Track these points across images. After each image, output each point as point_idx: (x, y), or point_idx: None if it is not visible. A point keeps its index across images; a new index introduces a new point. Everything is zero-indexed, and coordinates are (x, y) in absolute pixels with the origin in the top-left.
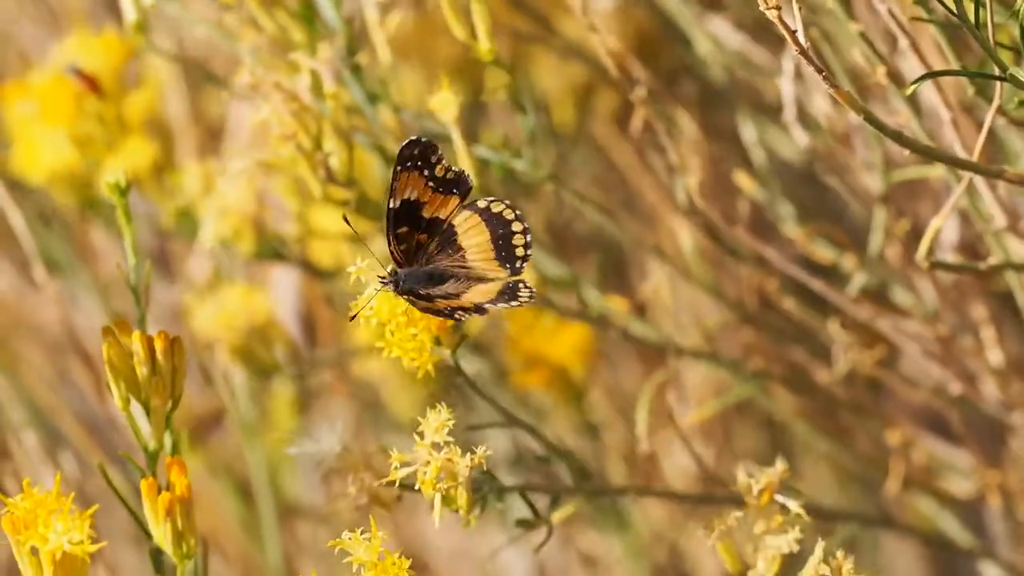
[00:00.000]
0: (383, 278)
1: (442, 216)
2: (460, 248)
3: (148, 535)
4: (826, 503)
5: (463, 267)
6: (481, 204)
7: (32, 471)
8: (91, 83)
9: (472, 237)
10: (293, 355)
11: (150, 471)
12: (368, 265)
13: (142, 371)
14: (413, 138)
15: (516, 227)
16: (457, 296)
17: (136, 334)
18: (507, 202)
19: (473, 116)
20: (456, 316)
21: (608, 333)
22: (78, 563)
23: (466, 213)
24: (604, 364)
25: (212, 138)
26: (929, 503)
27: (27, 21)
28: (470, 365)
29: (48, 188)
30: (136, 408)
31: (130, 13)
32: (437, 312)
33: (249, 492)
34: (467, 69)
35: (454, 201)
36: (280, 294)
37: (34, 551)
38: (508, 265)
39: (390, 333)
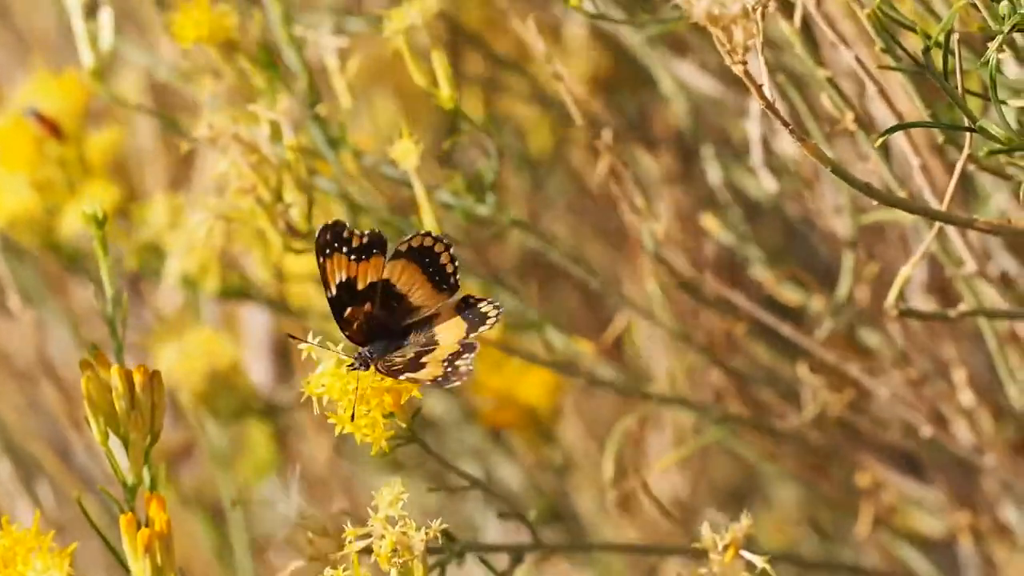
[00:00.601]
0: (351, 365)
1: (374, 279)
2: (401, 296)
3: (126, 569)
4: (796, 545)
5: (412, 313)
6: (400, 247)
7: (8, 501)
8: (51, 127)
9: (405, 280)
10: (258, 399)
11: (128, 506)
12: (319, 341)
13: (121, 405)
14: (322, 225)
15: (437, 248)
16: (430, 346)
17: (115, 368)
18: (420, 232)
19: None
20: (450, 376)
21: (576, 378)
22: None
23: (392, 262)
24: (581, 397)
25: (183, 165)
26: (900, 544)
27: None
28: (440, 404)
29: (9, 232)
30: (114, 442)
31: (86, 58)
32: (423, 380)
33: (222, 523)
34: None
35: (378, 260)
36: (251, 330)
37: None
38: (445, 288)
39: (342, 409)
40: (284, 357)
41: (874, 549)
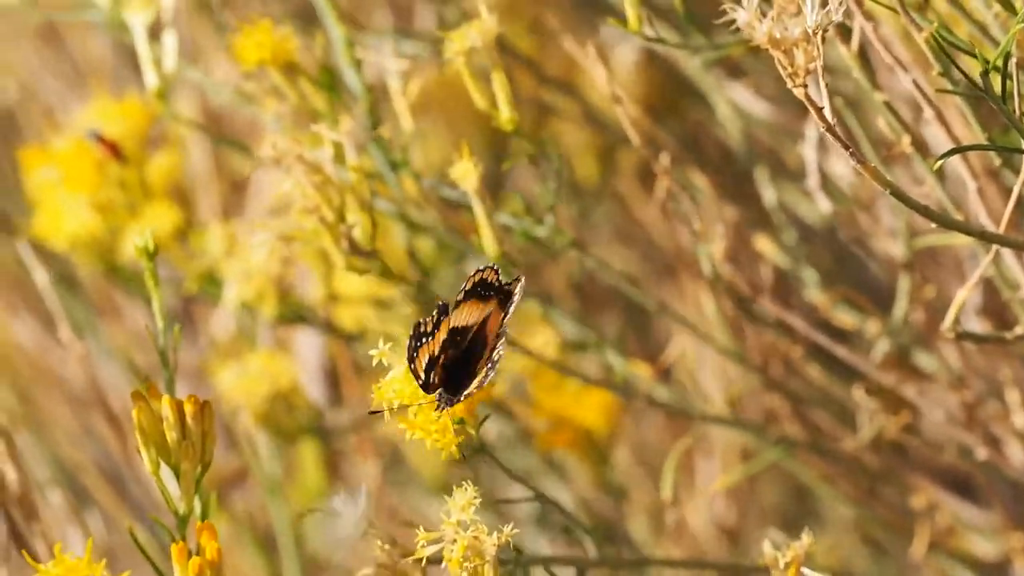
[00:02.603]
0: (438, 407)
1: (444, 336)
2: (466, 328)
3: None
4: (853, 566)
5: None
6: (459, 297)
7: (59, 530)
8: (113, 149)
9: (466, 315)
10: (316, 419)
11: (180, 535)
12: (391, 347)
13: (172, 436)
14: (409, 339)
15: (487, 275)
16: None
17: (166, 399)
18: (470, 274)
19: (500, 175)
20: (489, 373)
21: (632, 399)
22: None
23: (454, 313)
24: (631, 421)
25: (237, 194)
26: (955, 566)
27: (51, 78)
28: (494, 426)
29: (70, 253)
30: (165, 471)
31: (151, 79)
32: (477, 389)
33: (274, 549)
34: (495, 128)
35: (445, 323)
36: (304, 355)
37: None
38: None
39: (413, 415)
40: (335, 381)
41: (929, 571)
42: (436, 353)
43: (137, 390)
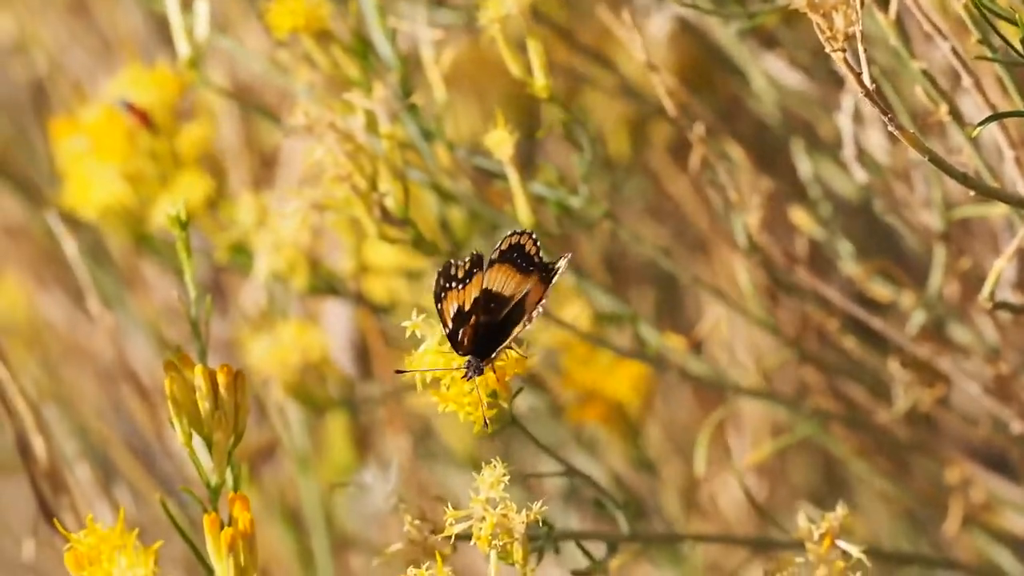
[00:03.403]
0: (465, 375)
1: (476, 294)
2: (499, 295)
3: (209, 570)
4: (885, 542)
5: (509, 302)
6: (493, 256)
7: (87, 504)
8: (143, 118)
9: (501, 280)
10: (347, 391)
11: (212, 506)
12: (424, 319)
13: (204, 406)
14: (436, 272)
15: (523, 240)
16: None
17: (199, 368)
18: (507, 234)
19: (530, 149)
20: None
21: (666, 371)
22: None
23: (488, 272)
24: (660, 397)
25: (266, 166)
26: (989, 541)
27: (80, 50)
28: (525, 400)
29: (100, 224)
30: (197, 443)
31: (183, 48)
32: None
33: (303, 524)
34: (524, 102)
35: (478, 277)
36: (333, 327)
37: None
38: (532, 269)
39: (446, 387)
40: (365, 354)
41: (962, 547)
42: (467, 309)
43: (170, 359)
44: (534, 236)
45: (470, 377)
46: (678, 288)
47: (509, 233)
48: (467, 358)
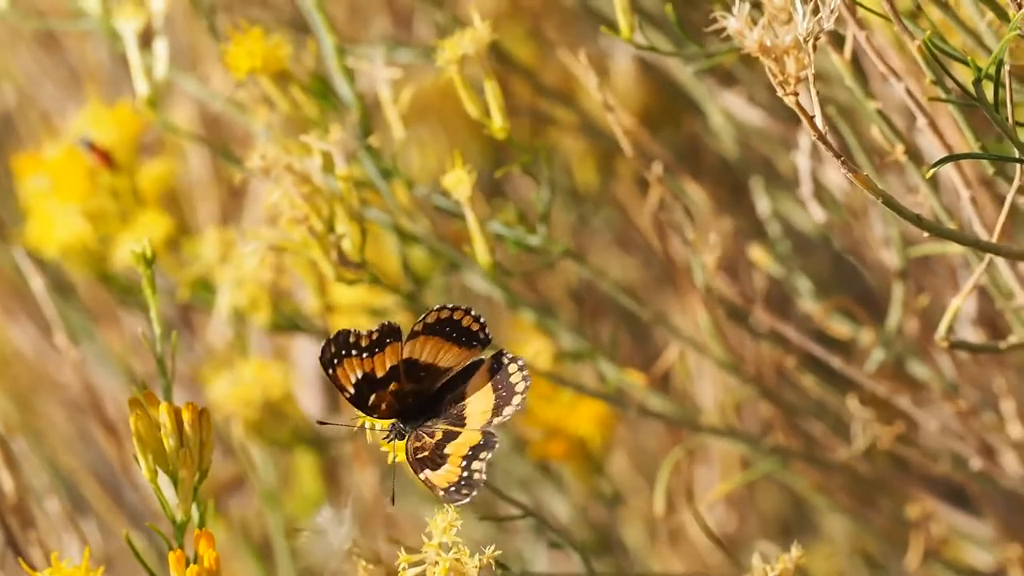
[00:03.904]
0: (386, 437)
1: (393, 363)
2: (428, 365)
3: None
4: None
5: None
6: (417, 328)
7: (55, 537)
8: (104, 157)
9: (430, 351)
10: (309, 428)
11: (177, 542)
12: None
13: (169, 443)
14: (324, 341)
15: (456, 316)
16: (457, 424)
17: (164, 406)
18: (434, 308)
19: (497, 182)
20: (462, 487)
21: (626, 408)
22: None
23: (411, 342)
24: (628, 428)
25: (235, 198)
26: (950, 575)
27: (48, 82)
28: None
29: (62, 262)
30: (163, 479)
31: (142, 87)
32: (438, 486)
33: (271, 557)
34: (490, 136)
35: (395, 346)
36: (302, 363)
37: None
38: (476, 344)
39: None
40: (333, 390)
41: None
42: (381, 375)
43: (134, 397)
44: (474, 313)
45: (389, 440)
46: (646, 322)
47: (436, 307)
48: (390, 422)
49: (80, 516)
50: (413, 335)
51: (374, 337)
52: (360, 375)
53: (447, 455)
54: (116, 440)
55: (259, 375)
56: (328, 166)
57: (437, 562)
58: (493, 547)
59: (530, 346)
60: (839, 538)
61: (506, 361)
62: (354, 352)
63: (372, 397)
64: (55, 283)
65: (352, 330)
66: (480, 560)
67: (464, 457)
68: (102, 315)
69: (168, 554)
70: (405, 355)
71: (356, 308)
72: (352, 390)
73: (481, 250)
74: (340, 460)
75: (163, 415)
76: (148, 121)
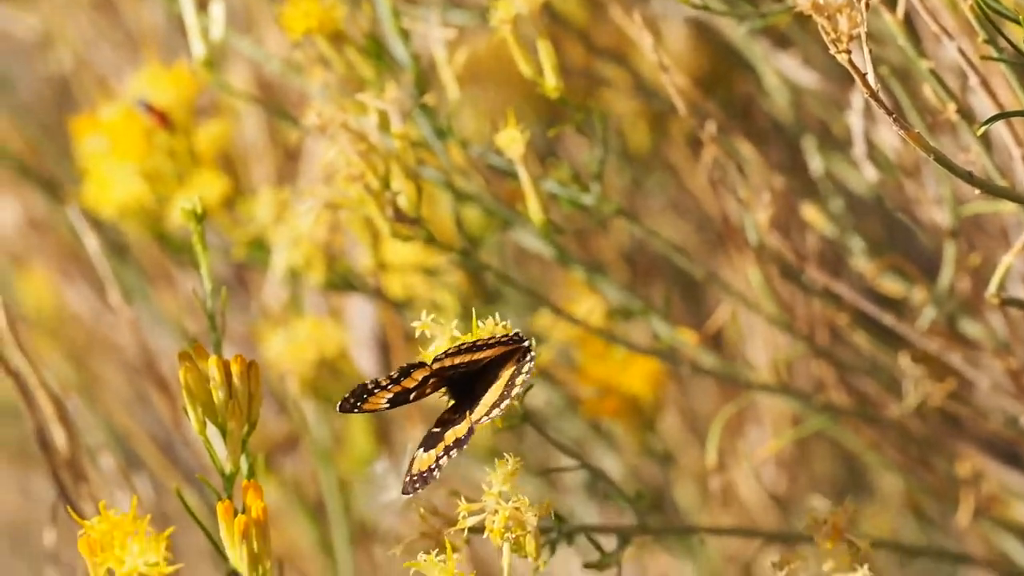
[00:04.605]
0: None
1: (425, 374)
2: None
3: (224, 558)
4: (898, 534)
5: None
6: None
7: (108, 494)
8: (161, 117)
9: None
10: None
11: (226, 494)
12: (433, 319)
13: (219, 395)
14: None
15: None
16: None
17: (213, 358)
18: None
19: (550, 144)
20: (426, 477)
21: (678, 366)
22: None
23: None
24: (678, 387)
25: (290, 162)
26: (1000, 534)
27: (105, 47)
28: (543, 394)
29: (119, 222)
30: (213, 432)
31: (198, 49)
32: (414, 472)
33: (324, 516)
34: (542, 97)
35: (422, 370)
36: (357, 323)
37: (110, 573)
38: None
39: None
40: (387, 349)
41: (975, 539)
42: (412, 387)
43: (184, 350)
44: (500, 333)
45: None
46: (699, 284)
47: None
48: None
49: (134, 473)
50: (437, 361)
51: (394, 377)
52: (390, 397)
53: (442, 440)
54: (169, 398)
55: (314, 333)
56: (384, 124)
57: (497, 511)
58: (550, 498)
59: (581, 304)
60: (891, 496)
61: (527, 358)
62: (376, 391)
63: (412, 395)
64: (110, 244)
65: (369, 381)
66: (539, 509)
67: (445, 447)
68: (157, 276)
69: (216, 505)
70: (435, 367)
71: (410, 267)
72: (387, 407)
73: (534, 208)
74: (393, 419)
75: (212, 368)
76: (204, 82)
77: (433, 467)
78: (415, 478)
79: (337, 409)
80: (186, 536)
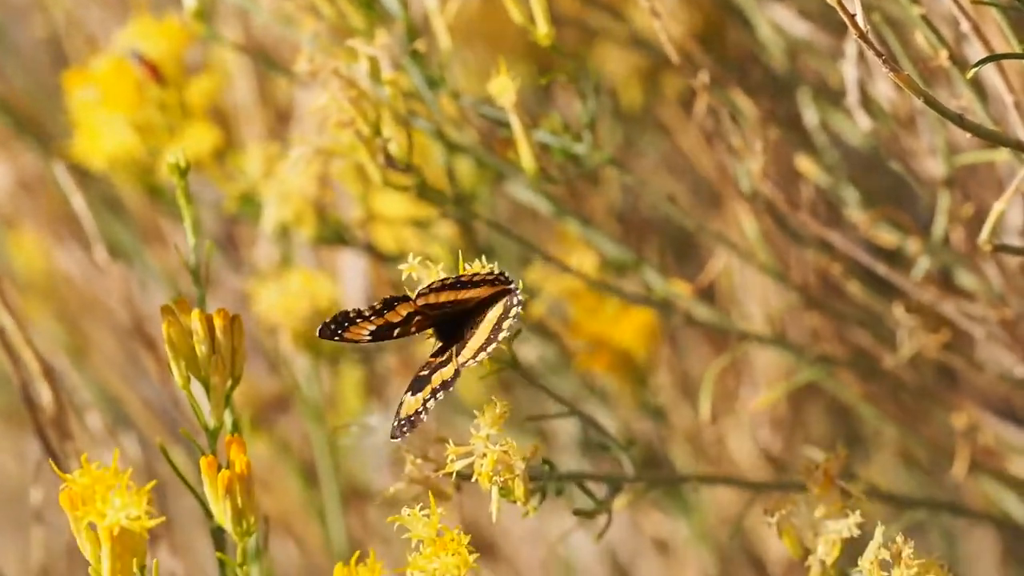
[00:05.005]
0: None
1: (410, 310)
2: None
3: (209, 514)
4: (894, 488)
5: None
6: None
7: (96, 452)
8: (152, 70)
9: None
10: None
11: (210, 449)
12: (421, 262)
13: (201, 349)
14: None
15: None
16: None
17: (195, 312)
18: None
19: (543, 99)
20: (414, 421)
21: (672, 317)
22: (136, 539)
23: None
24: (671, 344)
25: (281, 120)
26: (996, 487)
27: (95, 5)
28: (533, 350)
29: (109, 174)
30: (197, 388)
31: (189, 1)
32: (402, 415)
33: (315, 476)
34: (538, 51)
35: (407, 305)
36: (348, 278)
37: (92, 527)
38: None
39: None
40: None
41: (971, 491)
42: (396, 321)
43: (167, 304)
44: (485, 269)
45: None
46: (692, 239)
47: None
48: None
49: (122, 433)
50: (421, 295)
51: (376, 307)
52: (372, 329)
53: (429, 383)
54: (158, 358)
55: (305, 285)
56: (375, 72)
57: (485, 454)
58: (538, 441)
59: (575, 257)
60: (887, 451)
61: (514, 301)
62: (358, 320)
63: (396, 331)
64: (103, 200)
65: (346, 311)
66: (527, 453)
67: (432, 390)
68: (151, 234)
69: (200, 460)
70: (420, 303)
71: (400, 219)
72: (369, 338)
73: (526, 156)
74: (384, 376)
75: (195, 321)
76: (195, 34)
77: (420, 410)
78: (403, 422)
79: (316, 334)
80: (176, 496)
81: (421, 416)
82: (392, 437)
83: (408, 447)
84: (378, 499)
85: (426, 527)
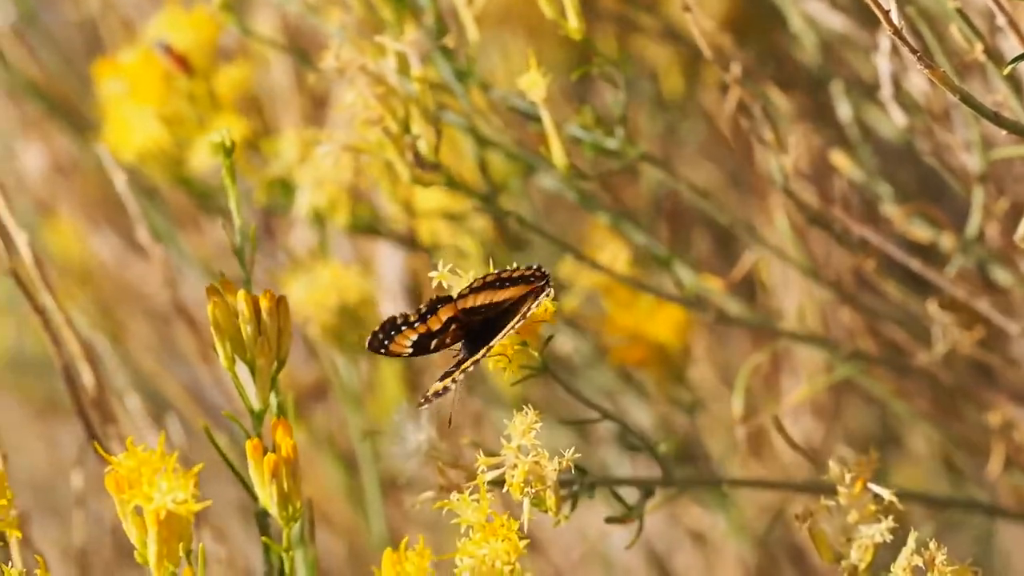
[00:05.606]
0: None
1: (450, 315)
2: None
3: (254, 498)
4: (928, 485)
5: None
6: (474, 285)
7: (137, 436)
8: (180, 61)
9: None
10: None
11: (255, 432)
12: (451, 268)
13: (247, 331)
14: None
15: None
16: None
17: (241, 293)
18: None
19: (581, 90)
20: (439, 395)
21: (704, 313)
22: (182, 523)
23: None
24: (712, 334)
25: (317, 107)
26: None
27: None
28: (570, 342)
29: (139, 166)
30: (242, 370)
31: None
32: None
33: (354, 464)
34: (572, 45)
35: (448, 308)
36: (385, 269)
37: (138, 510)
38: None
39: None
40: (416, 296)
41: (1006, 489)
42: (436, 329)
43: (212, 285)
44: (525, 266)
45: (463, 365)
46: (731, 234)
47: (484, 275)
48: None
49: (162, 416)
50: (462, 297)
51: (422, 311)
52: (415, 339)
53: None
54: (200, 344)
55: (336, 279)
56: (403, 67)
57: (516, 465)
58: (572, 450)
59: (608, 250)
60: (923, 447)
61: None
62: (404, 328)
63: (434, 343)
64: (138, 187)
65: (398, 314)
66: (559, 464)
67: (458, 363)
68: (185, 221)
69: (245, 443)
70: (460, 307)
71: (434, 212)
72: (410, 351)
73: (557, 151)
74: (424, 365)
75: (240, 302)
76: (225, 26)
77: (448, 386)
78: (430, 396)
79: (366, 347)
80: (217, 480)
81: (448, 389)
82: (419, 406)
83: (437, 452)
84: (412, 503)
85: (476, 512)
